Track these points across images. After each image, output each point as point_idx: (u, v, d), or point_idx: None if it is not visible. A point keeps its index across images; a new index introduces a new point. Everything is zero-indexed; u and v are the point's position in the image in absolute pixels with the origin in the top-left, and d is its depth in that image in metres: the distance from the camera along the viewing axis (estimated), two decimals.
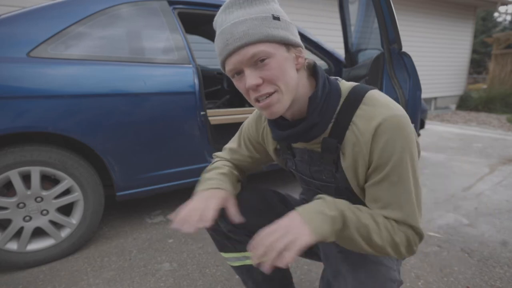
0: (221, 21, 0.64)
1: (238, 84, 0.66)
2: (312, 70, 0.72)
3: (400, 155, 0.63)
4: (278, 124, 0.75)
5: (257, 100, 0.66)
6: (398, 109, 0.65)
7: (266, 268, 0.56)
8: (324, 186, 0.78)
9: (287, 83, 0.64)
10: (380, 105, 0.66)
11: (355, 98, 0.68)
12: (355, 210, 0.64)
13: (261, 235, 0.60)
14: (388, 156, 0.64)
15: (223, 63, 0.66)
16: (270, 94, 0.64)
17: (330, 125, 0.69)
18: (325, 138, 0.70)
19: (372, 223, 0.63)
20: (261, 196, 0.93)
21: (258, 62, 0.62)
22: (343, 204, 0.64)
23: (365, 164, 0.67)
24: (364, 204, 0.75)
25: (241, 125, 0.95)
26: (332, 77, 0.75)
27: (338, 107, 0.69)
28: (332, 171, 0.73)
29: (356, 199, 0.76)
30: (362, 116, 0.66)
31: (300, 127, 0.68)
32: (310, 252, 0.99)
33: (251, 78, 0.62)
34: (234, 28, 0.61)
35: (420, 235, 0.66)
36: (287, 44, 0.64)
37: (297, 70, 0.67)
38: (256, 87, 0.63)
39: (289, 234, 0.57)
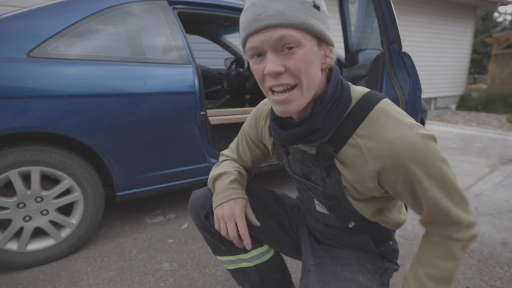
0: None
1: (255, 66, 0.60)
2: (328, 71, 0.66)
3: (421, 182, 0.60)
4: (281, 121, 0.71)
5: (271, 90, 0.60)
6: (407, 127, 0.60)
7: None
8: (314, 187, 0.76)
9: (310, 79, 0.58)
10: (389, 123, 0.61)
11: (364, 108, 0.63)
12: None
13: None
14: (411, 187, 0.61)
15: (246, 39, 0.59)
16: (290, 88, 0.58)
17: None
18: (322, 143, 0.66)
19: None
20: (258, 197, 0.92)
21: (285, 48, 0.55)
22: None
23: (373, 182, 0.64)
24: (352, 213, 0.74)
25: (243, 124, 0.94)
26: (346, 82, 0.71)
27: (345, 115, 0.64)
28: (322, 176, 0.70)
29: (341, 207, 0.74)
30: (368, 130, 0.62)
31: (301, 128, 0.64)
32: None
33: (272, 63, 0.56)
34: (269, 3, 0.54)
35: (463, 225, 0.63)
36: (320, 39, 0.59)
37: (322, 70, 0.61)
38: (276, 75, 0.57)
39: None
